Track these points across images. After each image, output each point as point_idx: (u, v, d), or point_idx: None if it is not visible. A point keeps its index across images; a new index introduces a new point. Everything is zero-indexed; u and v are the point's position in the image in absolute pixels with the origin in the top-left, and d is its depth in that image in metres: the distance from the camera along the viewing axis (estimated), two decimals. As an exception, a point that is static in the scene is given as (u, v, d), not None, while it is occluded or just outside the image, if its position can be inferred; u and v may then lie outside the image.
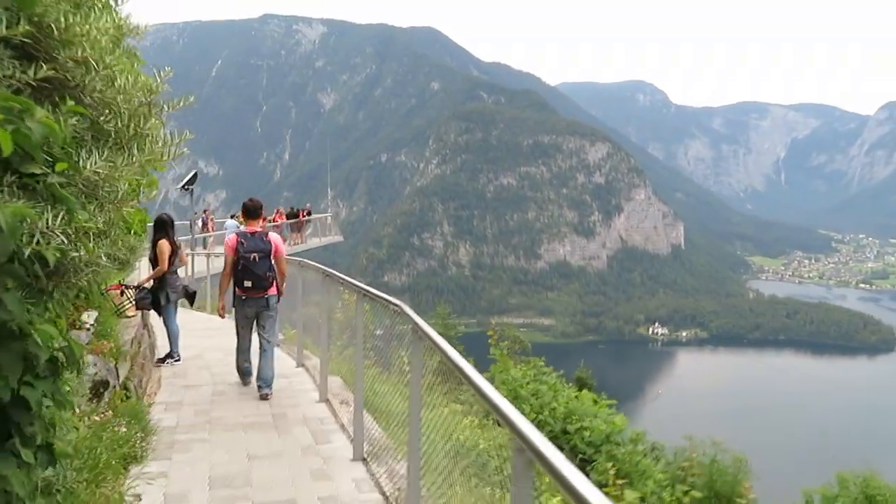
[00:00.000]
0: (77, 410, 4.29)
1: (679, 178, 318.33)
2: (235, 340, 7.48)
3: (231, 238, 7.39)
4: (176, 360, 8.72)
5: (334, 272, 6.51)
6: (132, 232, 5.96)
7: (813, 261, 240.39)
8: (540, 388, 8.53)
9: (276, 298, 7.43)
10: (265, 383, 7.18)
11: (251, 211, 7.55)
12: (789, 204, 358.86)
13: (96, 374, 4.90)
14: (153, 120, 3.11)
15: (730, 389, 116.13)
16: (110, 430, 4.55)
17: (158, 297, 8.38)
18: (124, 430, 4.75)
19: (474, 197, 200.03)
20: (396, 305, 4.26)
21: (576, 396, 8.36)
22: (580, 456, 7.39)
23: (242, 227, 20.28)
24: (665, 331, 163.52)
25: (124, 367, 5.89)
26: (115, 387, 5.37)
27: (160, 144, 3.14)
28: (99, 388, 4.91)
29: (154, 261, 8.44)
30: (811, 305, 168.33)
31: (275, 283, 7.34)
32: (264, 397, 7.08)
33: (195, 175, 20.08)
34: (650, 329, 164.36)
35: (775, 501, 15.99)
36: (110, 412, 4.84)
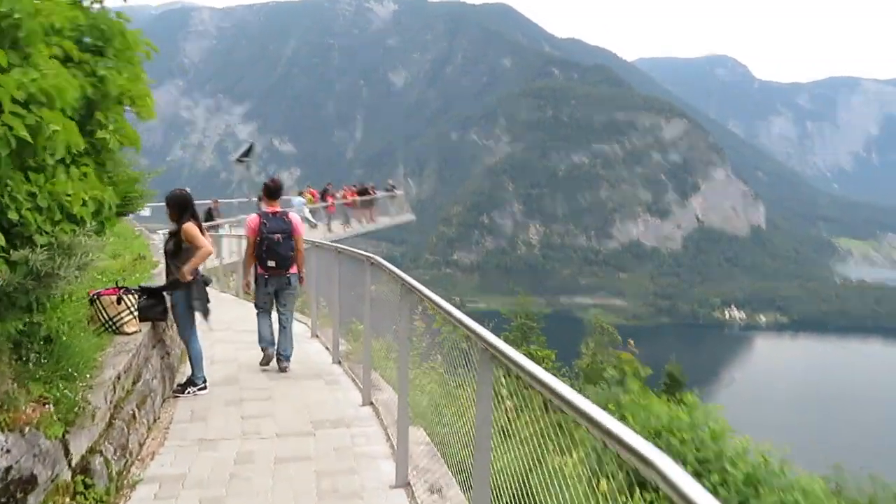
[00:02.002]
0: None
1: (761, 157, 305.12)
2: (256, 320, 7.76)
3: (253, 218, 7.54)
4: (200, 389, 6.66)
5: (429, 294, 4.03)
6: (68, 218, 3.47)
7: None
8: (697, 435, 6.06)
9: (297, 277, 7.72)
10: (285, 357, 7.66)
11: (273, 191, 7.71)
12: (881, 184, 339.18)
13: (9, 469, 2.84)
14: None
15: (812, 377, 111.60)
16: None
17: (180, 303, 6.37)
18: None
19: (545, 175, 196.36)
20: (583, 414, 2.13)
21: (748, 455, 5.86)
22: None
23: (302, 205, 17.24)
24: (742, 315, 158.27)
25: (89, 432, 3.62)
26: (53, 479, 3.12)
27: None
28: (12, 494, 2.80)
29: (174, 254, 6.40)
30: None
31: (295, 262, 7.59)
32: (284, 370, 7.62)
33: (251, 147, 18.35)
34: (726, 313, 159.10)
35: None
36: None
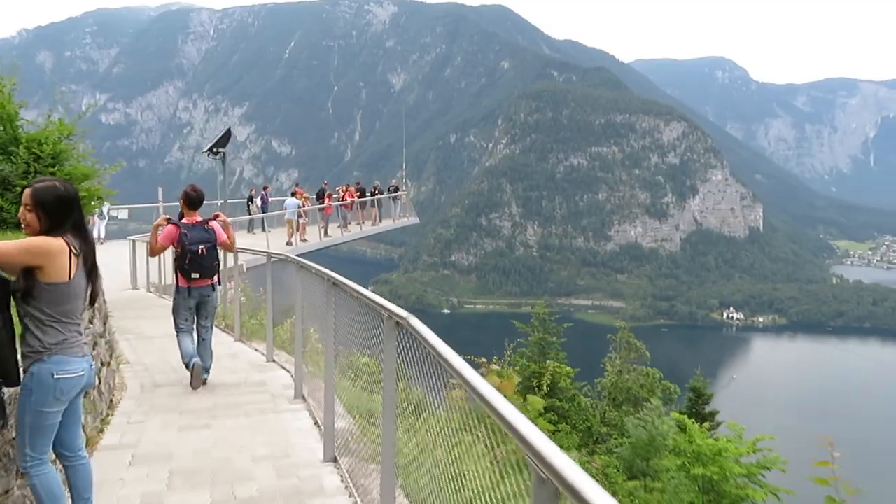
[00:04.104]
0: None
1: (759, 159, 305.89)
2: (176, 334, 7.25)
3: (171, 228, 7.09)
4: None
5: (504, 410, 2.06)
6: None
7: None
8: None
9: (218, 284, 7.46)
10: (204, 369, 7.24)
11: (193, 201, 7.23)
12: (878, 186, 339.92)
13: None
14: None
15: (810, 377, 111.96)
16: None
17: (31, 393, 3.39)
18: None
19: (543, 177, 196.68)
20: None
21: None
22: None
23: (297, 206, 18.35)
24: (740, 316, 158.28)
25: None
26: None
27: None
28: None
29: (26, 294, 3.37)
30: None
31: (218, 272, 7.32)
32: (203, 382, 7.15)
33: (227, 134, 15.81)
34: (724, 314, 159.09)
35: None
36: None
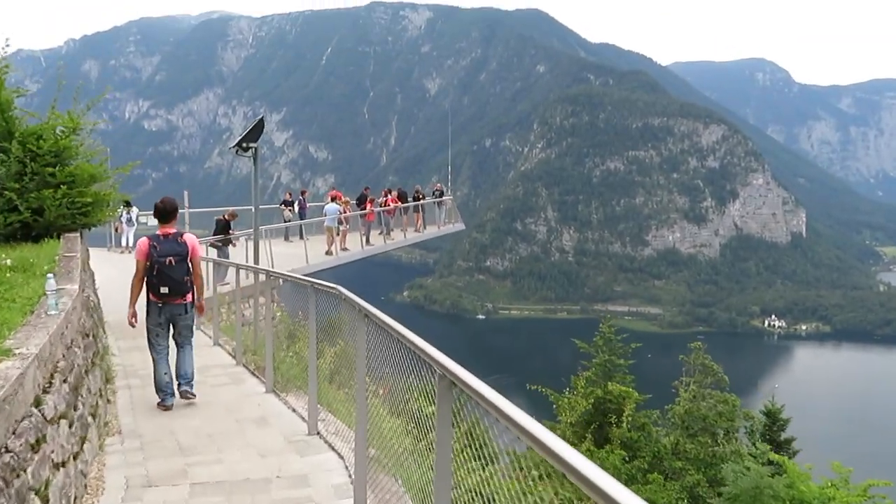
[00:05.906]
0: None
1: (801, 163, 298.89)
2: (150, 352, 6.94)
3: (142, 241, 6.80)
4: None
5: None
6: None
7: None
8: None
9: (193, 304, 7.03)
10: (185, 380, 6.96)
11: (162, 213, 6.91)
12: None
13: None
14: None
15: (855, 388, 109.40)
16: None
17: None
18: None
19: (579, 182, 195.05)
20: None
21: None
22: None
23: (336, 212, 18.91)
24: (782, 324, 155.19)
25: None
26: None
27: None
28: None
29: None
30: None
31: (191, 290, 6.92)
32: (185, 396, 6.89)
33: (260, 125, 13.81)
34: (766, 322, 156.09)
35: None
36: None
